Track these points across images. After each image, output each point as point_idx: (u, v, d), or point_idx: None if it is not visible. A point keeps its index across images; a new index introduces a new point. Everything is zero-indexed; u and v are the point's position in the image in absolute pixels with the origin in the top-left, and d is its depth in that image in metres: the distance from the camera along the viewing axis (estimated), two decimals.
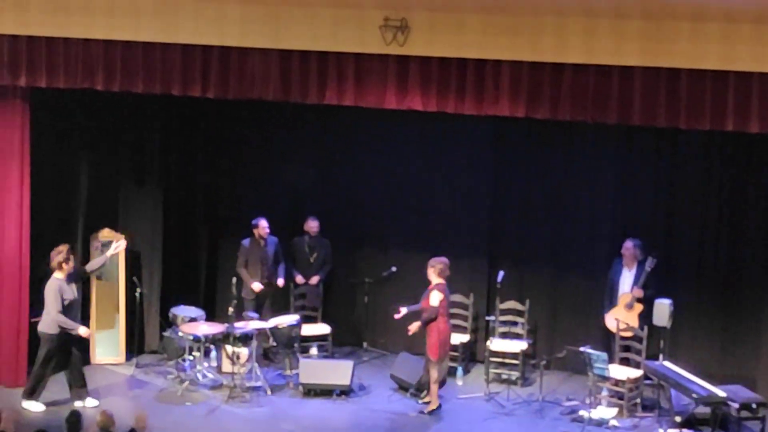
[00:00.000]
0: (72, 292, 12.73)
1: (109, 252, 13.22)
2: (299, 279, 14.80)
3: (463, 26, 11.17)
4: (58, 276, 12.62)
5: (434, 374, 13.02)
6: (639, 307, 13.38)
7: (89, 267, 13.24)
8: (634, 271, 13.45)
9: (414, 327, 13.08)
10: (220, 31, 11.83)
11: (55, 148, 13.88)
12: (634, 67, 10.80)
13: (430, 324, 12.97)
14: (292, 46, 11.72)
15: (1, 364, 13.37)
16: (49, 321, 12.62)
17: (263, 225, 14.47)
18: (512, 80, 11.22)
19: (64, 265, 12.65)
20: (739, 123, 10.60)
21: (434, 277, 13.08)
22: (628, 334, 13.33)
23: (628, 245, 13.49)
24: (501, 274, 13.91)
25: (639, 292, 13.33)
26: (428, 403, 13.12)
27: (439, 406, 13.12)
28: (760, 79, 10.42)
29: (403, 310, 13.33)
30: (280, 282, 14.60)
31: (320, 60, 11.74)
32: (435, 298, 12.95)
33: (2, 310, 13.10)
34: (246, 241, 14.51)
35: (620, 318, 13.37)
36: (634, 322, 13.32)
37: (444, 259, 13.12)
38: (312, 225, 14.78)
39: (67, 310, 12.60)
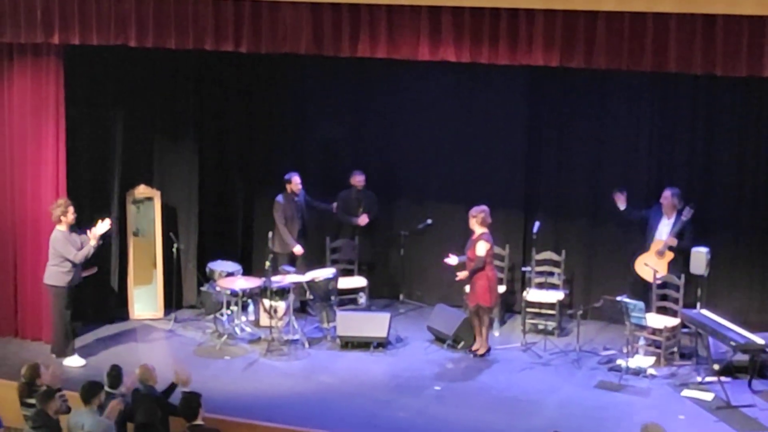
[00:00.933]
0: (75, 243, 12.81)
1: (93, 242, 12.83)
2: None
3: None
4: (60, 228, 12.75)
5: (486, 320, 13.30)
6: (670, 255, 13.34)
7: (77, 258, 12.87)
8: (672, 219, 13.38)
9: (462, 275, 13.20)
10: None
11: (89, 105, 13.92)
12: (669, 14, 10.68)
13: (479, 273, 13.10)
14: None
15: (41, 322, 13.50)
16: (56, 272, 12.77)
17: (296, 180, 14.49)
18: (546, 29, 11.12)
19: (62, 217, 12.74)
20: None
21: (477, 227, 13.17)
22: (652, 278, 13.33)
23: (666, 194, 13.42)
24: (537, 224, 13.88)
25: (673, 241, 13.29)
26: (476, 351, 13.35)
27: (489, 350, 13.35)
28: None
29: (454, 259, 13.44)
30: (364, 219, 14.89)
31: (352, 12, 11.68)
32: (481, 248, 13.06)
33: (40, 268, 13.16)
34: (280, 197, 14.51)
35: (650, 264, 13.37)
36: (663, 269, 13.31)
37: (484, 208, 13.21)
38: (359, 179, 14.80)
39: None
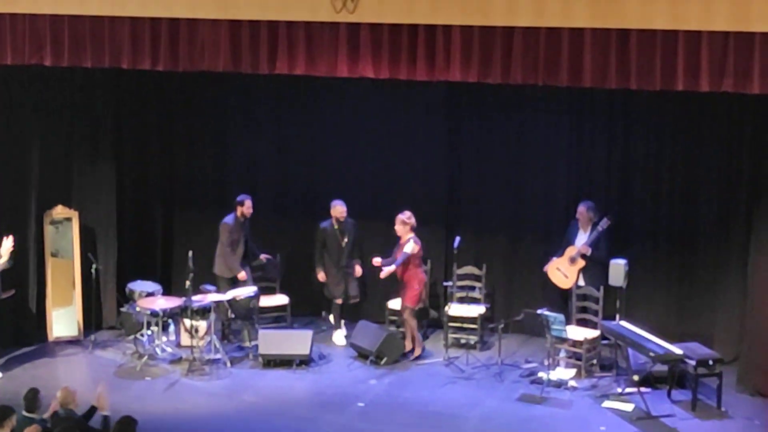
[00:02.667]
0: None
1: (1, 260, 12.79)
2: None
3: None
4: None
5: (413, 322, 13.69)
6: (581, 263, 13.53)
7: None
8: (588, 232, 13.53)
9: (389, 269, 13.50)
10: (169, 2, 11.73)
11: (6, 125, 13.75)
12: (584, 29, 10.81)
13: (410, 275, 13.47)
14: (242, 16, 11.65)
15: None
16: None
17: (249, 204, 14.19)
18: (463, 45, 11.19)
19: None
20: (690, 82, 10.63)
21: (407, 233, 13.52)
22: (565, 286, 13.55)
23: (581, 209, 13.58)
24: (457, 239, 13.94)
25: (586, 249, 13.47)
26: (413, 354, 13.68)
27: (424, 349, 13.79)
28: (709, 38, 10.46)
29: (378, 261, 13.68)
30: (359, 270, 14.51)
31: (270, 29, 11.67)
32: (409, 247, 13.40)
33: None
34: (230, 219, 14.17)
35: (562, 269, 13.57)
36: (573, 276, 13.51)
37: (407, 212, 13.56)
38: (340, 210, 14.22)
39: None
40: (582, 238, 13.57)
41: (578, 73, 10.91)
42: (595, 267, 13.49)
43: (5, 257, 12.69)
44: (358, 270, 14.33)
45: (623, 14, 10.60)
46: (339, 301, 14.32)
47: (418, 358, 13.63)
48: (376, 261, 13.69)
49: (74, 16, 12.01)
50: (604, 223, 13.33)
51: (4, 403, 9.86)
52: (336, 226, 14.24)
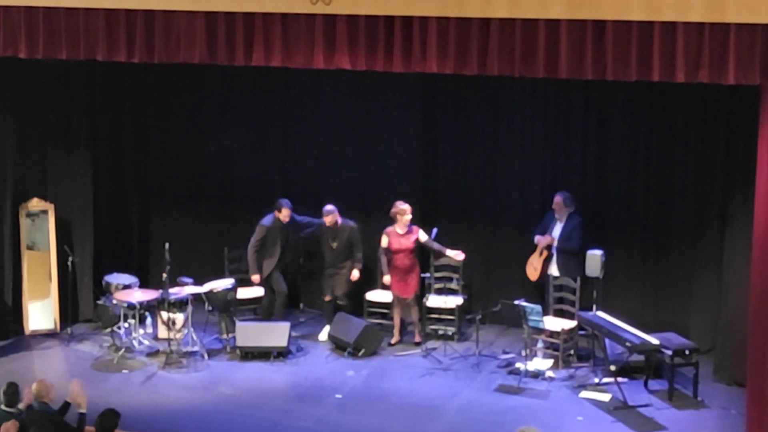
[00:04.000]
0: None
1: None
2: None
3: None
4: None
5: (417, 311, 13.94)
6: (545, 253, 13.64)
7: None
8: (563, 223, 13.58)
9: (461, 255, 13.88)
10: None
11: None
12: (560, 20, 10.81)
13: (414, 262, 13.73)
14: (218, 7, 11.60)
15: None
16: None
17: (285, 213, 14.11)
18: (439, 37, 11.17)
19: None
20: (665, 73, 10.63)
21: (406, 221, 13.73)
22: (533, 277, 13.77)
23: (557, 199, 13.62)
24: (434, 231, 13.94)
25: (548, 238, 13.59)
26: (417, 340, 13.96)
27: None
28: (684, 29, 10.47)
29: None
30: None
31: (246, 21, 11.63)
32: (423, 234, 13.67)
33: None
34: (267, 220, 14.16)
35: (533, 263, 13.72)
36: (539, 267, 13.69)
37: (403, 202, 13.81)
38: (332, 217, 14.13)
39: None
40: (558, 228, 13.61)
41: (554, 64, 10.91)
42: (569, 258, 13.53)
43: None
44: (354, 274, 14.16)
45: (599, 5, 10.59)
46: (327, 298, 14.26)
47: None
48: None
49: (49, 7, 11.92)
50: (572, 219, 13.50)
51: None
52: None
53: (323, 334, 14.16)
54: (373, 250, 14.27)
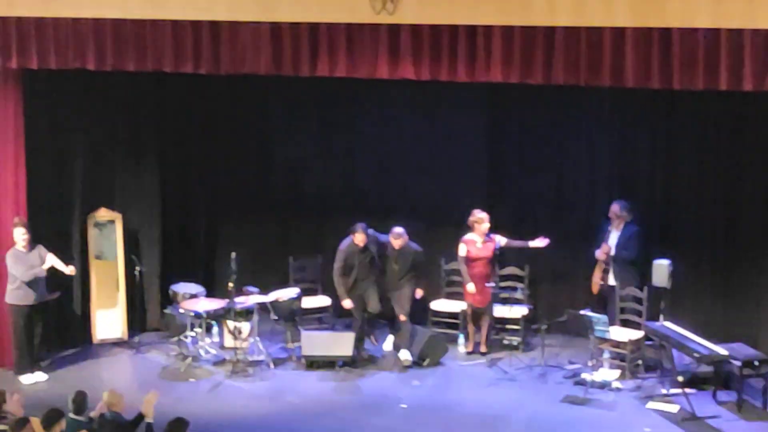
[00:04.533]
0: (28, 262, 12.89)
1: (44, 266, 12.94)
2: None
3: None
4: (16, 247, 12.93)
5: (488, 321, 13.94)
6: (602, 265, 13.61)
7: (25, 276, 12.90)
8: (621, 231, 13.52)
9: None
10: (210, 5, 11.79)
11: (50, 129, 13.85)
12: (625, 29, 10.75)
13: (491, 272, 13.81)
14: (283, 18, 11.68)
15: (4, 348, 13.41)
16: (9, 291, 12.98)
17: (359, 238, 13.60)
18: (504, 45, 11.17)
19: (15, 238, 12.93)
20: (733, 81, 10.56)
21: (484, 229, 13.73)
22: (594, 289, 13.79)
23: (615, 208, 13.54)
24: (504, 240, 13.87)
25: (606, 247, 13.51)
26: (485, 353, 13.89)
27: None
28: (751, 36, 10.38)
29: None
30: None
31: (311, 32, 11.70)
32: (502, 238, 13.80)
33: (3, 293, 13.12)
34: (343, 244, 13.71)
35: (595, 277, 13.75)
36: (597, 278, 13.70)
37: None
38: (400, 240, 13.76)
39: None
40: (614, 237, 13.52)
41: (620, 72, 10.86)
42: (624, 267, 13.44)
43: (45, 266, 12.91)
44: (418, 292, 13.93)
45: (665, 13, 10.55)
46: (402, 318, 13.82)
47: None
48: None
49: (117, 19, 12.08)
50: (628, 229, 13.47)
51: (51, 405, 9.93)
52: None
53: (388, 344, 14.12)
54: (437, 258, 14.25)
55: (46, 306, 13.20)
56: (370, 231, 13.71)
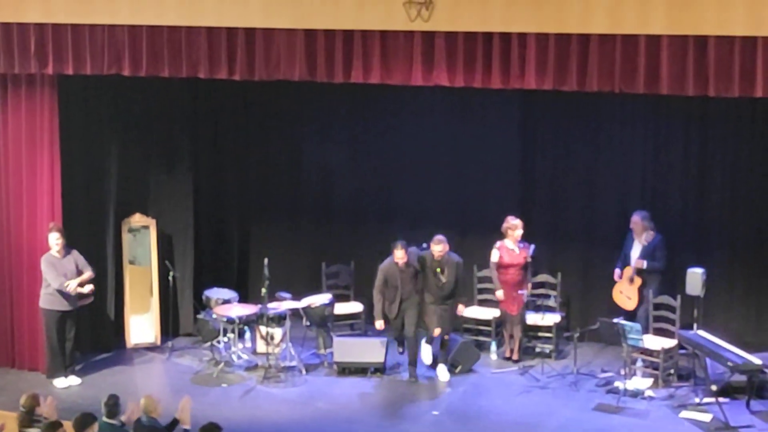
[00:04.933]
0: (63, 268, 12.96)
1: (71, 286, 12.95)
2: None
3: (487, 0, 11.13)
4: (51, 252, 13.00)
5: (520, 329, 13.85)
6: (639, 281, 13.45)
7: (54, 285, 12.95)
8: (643, 243, 13.46)
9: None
10: (245, 12, 11.84)
11: (85, 135, 13.91)
12: (660, 36, 10.73)
13: (524, 279, 13.76)
14: (317, 25, 11.71)
15: (38, 352, 13.51)
16: (43, 295, 13.08)
17: (398, 254, 13.19)
18: (538, 53, 11.17)
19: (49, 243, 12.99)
20: None
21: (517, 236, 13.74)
22: (630, 307, 13.45)
23: (635, 219, 13.53)
24: (532, 247, 13.86)
25: (640, 263, 13.41)
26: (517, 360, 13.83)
27: None
28: None
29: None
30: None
31: (345, 38, 11.72)
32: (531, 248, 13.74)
33: (37, 298, 13.22)
34: (385, 262, 13.37)
35: (623, 291, 13.54)
36: (635, 296, 13.44)
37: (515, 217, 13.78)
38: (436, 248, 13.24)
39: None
40: (637, 249, 13.48)
41: (655, 80, 10.84)
42: (652, 278, 13.40)
43: (72, 285, 12.99)
44: (461, 308, 13.56)
45: (701, 20, 10.51)
46: (436, 333, 13.41)
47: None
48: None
49: (152, 26, 12.15)
50: (648, 237, 13.40)
51: (84, 409, 9.99)
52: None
53: (427, 355, 13.62)
54: (468, 265, 14.25)
55: (79, 312, 13.27)
56: (412, 249, 13.35)
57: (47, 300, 13.02)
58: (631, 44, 10.86)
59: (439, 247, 13.18)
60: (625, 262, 13.70)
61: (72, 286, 12.86)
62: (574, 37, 11.01)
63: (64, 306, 13.00)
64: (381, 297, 13.38)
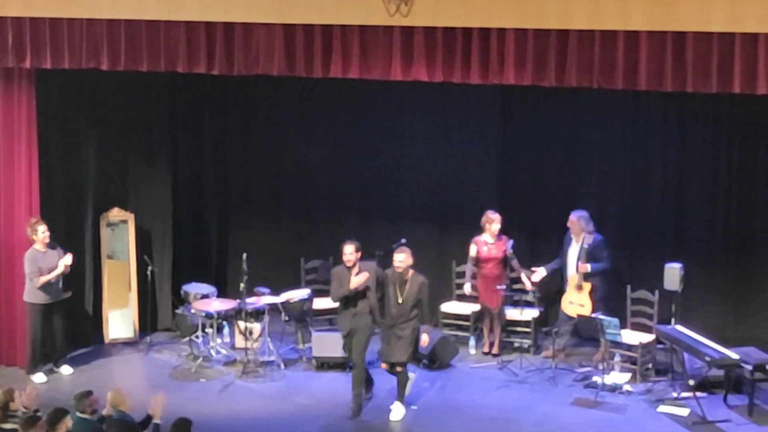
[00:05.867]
0: (46, 262, 12.97)
1: (58, 271, 13.02)
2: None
3: None
4: (34, 246, 13.00)
5: (499, 323, 13.89)
6: (588, 286, 13.32)
7: (35, 282, 12.96)
8: (581, 243, 13.37)
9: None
10: (224, 6, 11.81)
11: (63, 128, 13.88)
12: (639, 32, 10.76)
13: (503, 273, 13.73)
14: (296, 20, 11.69)
15: (16, 346, 13.47)
16: (27, 289, 13.05)
17: (345, 249, 12.16)
18: (517, 48, 11.18)
19: (33, 236, 12.97)
20: (746, 85, 10.56)
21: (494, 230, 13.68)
22: (586, 313, 13.16)
23: (572, 218, 13.45)
24: (511, 242, 13.88)
25: (584, 267, 13.30)
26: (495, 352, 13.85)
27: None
28: (766, 39, 10.37)
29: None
30: None
31: (324, 33, 11.71)
32: (510, 247, 13.68)
33: (15, 291, 13.20)
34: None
35: (574, 300, 13.41)
36: (587, 302, 13.27)
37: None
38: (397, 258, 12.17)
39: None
40: (575, 249, 13.45)
41: (634, 75, 10.87)
42: (599, 280, 13.39)
43: (60, 270, 13.00)
44: (424, 338, 12.33)
45: (679, 17, 10.54)
46: (384, 366, 12.44)
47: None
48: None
49: (131, 20, 12.11)
50: (587, 240, 13.28)
51: (60, 405, 9.96)
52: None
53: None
54: (448, 261, 14.28)
55: (62, 304, 13.24)
56: (371, 263, 12.42)
57: (30, 293, 12.99)
58: (609, 40, 10.88)
59: (401, 256, 12.04)
60: (563, 261, 13.65)
61: (41, 281, 12.88)
62: (553, 32, 11.03)
63: (45, 299, 12.99)
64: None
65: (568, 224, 13.50)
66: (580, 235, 13.39)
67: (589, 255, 13.30)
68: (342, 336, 12.39)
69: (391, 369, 12.21)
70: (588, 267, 13.26)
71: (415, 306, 12.04)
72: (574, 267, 13.43)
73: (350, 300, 12.13)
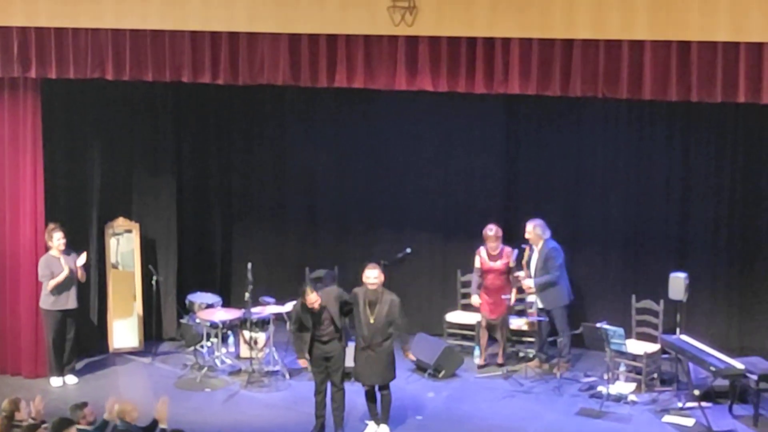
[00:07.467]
0: (59, 268, 13.04)
1: (65, 272, 13.07)
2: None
3: (471, 5, 11.13)
4: (50, 252, 13.12)
5: (503, 333, 13.80)
6: (531, 289, 13.51)
7: (48, 286, 13.09)
8: (538, 250, 13.46)
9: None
10: (229, 16, 11.82)
11: (67, 138, 13.93)
12: (644, 41, 10.76)
13: (505, 284, 13.65)
14: (301, 29, 11.71)
15: (20, 355, 13.45)
16: (42, 295, 13.12)
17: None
18: (522, 58, 11.19)
19: (49, 242, 13.07)
20: (751, 94, 10.56)
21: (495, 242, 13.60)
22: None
23: (528, 227, 13.48)
24: (515, 252, 13.87)
25: (527, 285, 13.45)
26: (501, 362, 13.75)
27: None
28: None
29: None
30: None
31: (329, 43, 11.73)
32: (513, 259, 13.64)
33: (20, 300, 13.22)
34: None
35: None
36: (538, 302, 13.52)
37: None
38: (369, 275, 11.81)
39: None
40: (535, 257, 13.49)
41: (638, 85, 10.87)
42: (549, 288, 13.41)
43: (66, 272, 13.03)
44: (411, 355, 12.41)
45: (684, 26, 10.54)
46: (367, 387, 12.14)
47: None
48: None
49: (135, 30, 12.14)
50: (530, 252, 13.43)
51: (65, 414, 9.95)
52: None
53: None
54: (452, 270, 14.27)
55: (75, 314, 13.26)
56: (332, 287, 12.21)
57: (47, 300, 13.05)
58: (614, 49, 10.88)
59: (374, 272, 11.64)
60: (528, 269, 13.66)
61: (51, 284, 12.94)
62: (557, 42, 11.03)
63: (62, 305, 13.07)
64: (297, 335, 11.92)
65: (526, 235, 13.49)
66: (538, 242, 13.43)
67: (543, 263, 13.35)
68: (311, 366, 12.03)
69: (373, 390, 11.95)
70: (530, 282, 13.41)
71: (389, 324, 11.68)
72: (533, 269, 13.51)
73: (316, 327, 11.72)
